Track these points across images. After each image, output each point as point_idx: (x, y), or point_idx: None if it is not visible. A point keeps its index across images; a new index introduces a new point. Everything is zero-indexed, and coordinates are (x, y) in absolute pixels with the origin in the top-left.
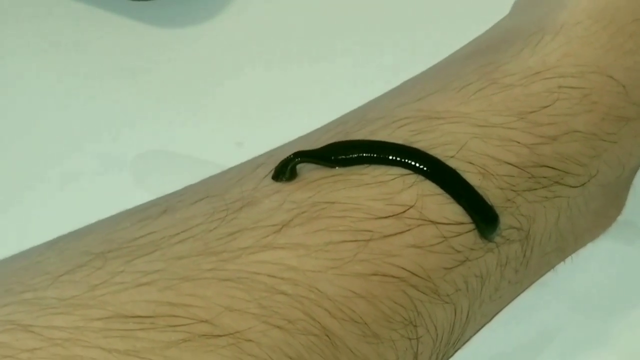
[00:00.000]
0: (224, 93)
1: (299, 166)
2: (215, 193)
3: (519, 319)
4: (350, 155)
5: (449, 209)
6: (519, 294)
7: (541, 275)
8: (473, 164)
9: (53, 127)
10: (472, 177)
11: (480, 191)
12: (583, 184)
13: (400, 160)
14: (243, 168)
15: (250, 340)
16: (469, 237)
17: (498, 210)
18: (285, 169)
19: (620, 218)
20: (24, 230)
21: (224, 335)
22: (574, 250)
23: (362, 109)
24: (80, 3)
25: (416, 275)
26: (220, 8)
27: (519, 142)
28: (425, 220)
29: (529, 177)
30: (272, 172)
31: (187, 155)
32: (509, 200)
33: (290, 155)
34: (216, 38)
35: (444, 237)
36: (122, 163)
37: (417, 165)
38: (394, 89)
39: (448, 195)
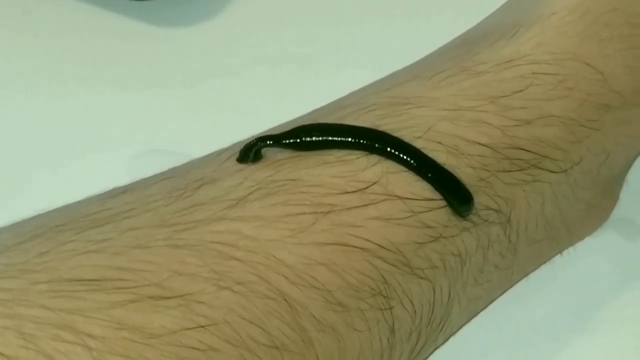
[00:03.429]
0: (224, 93)
1: (265, 150)
2: (176, 175)
3: (514, 312)
4: (310, 139)
5: (416, 185)
6: (513, 283)
7: (536, 266)
8: (442, 143)
9: (51, 126)
10: (440, 156)
11: (449, 169)
12: (565, 170)
13: (356, 142)
14: (209, 155)
15: (201, 302)
16: (441, 213)
17: (471, 189)
18: (250, 152)
19: (618, 215)
20: None
21: (173, 297)
22: (570, 242)
23: (337, 100)
24: (80, 2)
25: (382, 247)
26: (220, 8)
27: (490, 124)
28: (391, 195)
29: (503, 158)
30: (236, 154)
31: (186, 154)
32: (482, 179)
33: (252, 140)
34: (216, 38)
35: (413, 211)
36: (120, 162)
37: (375, 145)
38: (371, 82)
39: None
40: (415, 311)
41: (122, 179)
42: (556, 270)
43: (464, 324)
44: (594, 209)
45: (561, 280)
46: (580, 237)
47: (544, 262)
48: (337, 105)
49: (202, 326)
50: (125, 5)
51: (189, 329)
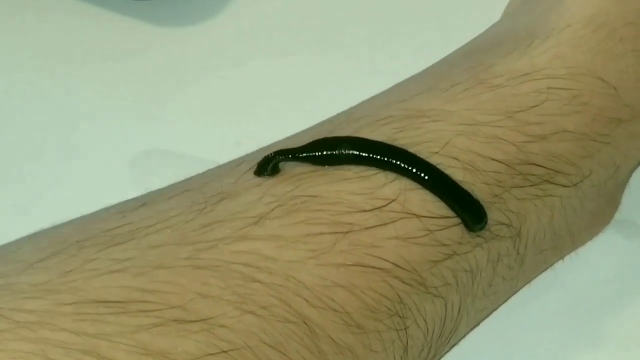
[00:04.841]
0: (224, 92)
1: (283, 163)
2: (195, 187)
3: (517, 314)
4: (328, 153)
5: (433, 203)
6: (516, 291)
7: (539, 274)
8: (458, 159)
9: (52, 126)
10: (457, 172)
11: (465, 186)
12: (576, 184)
13: (375, 159)
14: (225, 165)
15: (224, 326)
16: (456, 230)
17: (485, 206)
18: (267, 165)
19: (618, 217)
20: (17, 227)
21: (196, 321)
22: (572, 249)
23: (350, 109)
24: (81, 2)
25: (400, 267)
26: (220, 8)
27: (506, 140)
28: (409, 213)
29: (517, 174)
30: (254, 167)
31: (186, 154)
32: (496, 195)
33: (270, 154)
34: (216, 38)
35: (429, 230)
36: (120, 162)
37: (397, 163)
38: (383, 91)
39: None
40: (427, 329)
41: (123, 179)
42: (557, 272)
43: (468, 333)
44: (597, 216)
45: (562, 281)
46: (582, 243)
47: (547, 269)
48: (351, 116)
49: (225, 351)
50: (125, 5)
51: (212, 354)
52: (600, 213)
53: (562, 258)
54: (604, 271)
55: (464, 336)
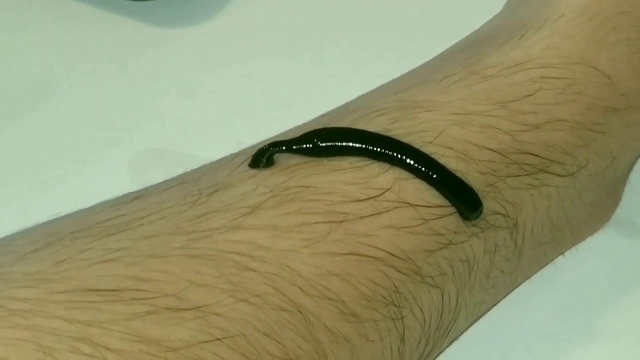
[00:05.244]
0: (224, 92)
1: (277, 155)
2: (190, 181)
3: (516, 312)
4: (322, 144)
5: (428, 192)
6: (516, 286)
7: (539, 269)
8: (452, 149)
9: (53, 127)
10: (450, 162)
11: (459, 175)
12: (572, 174)
13: (369, 150)
14: (220, 160)
15: (218, 314)
16: (451, 220)
17: (480, 195)
18: (262, 157)
19: (619, 217)
20: (16, 226)
21: (190, 309)
22: (573, 244)
23: (347, 103)
24: (80, 3)
25: (395, 256)
26: (220, 8)
27: (500, 129)
28: (403, 203)
29: (512, 164)
30: (249, 160)
31: (186, 154)
32: (490, 185)
33: (265, 146)
34: (216, 38)
35: (424, 219)
36: (120, 162)
37: (388, 153)
38: (380, 86)
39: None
40: (425, 319)
41: (123, 179)
42: (557, 271)
43: (468, 328)
44: (598, 210)
45: (562, 280)
46: (583, 238)
47: (547, 264)
48: (347, 109)
49: (219, 339)
50: (125, 5)
51: (206, 342)
52: (600, 206)
53: (562, 253)
54: (604, 270)
55: (464, 331)
